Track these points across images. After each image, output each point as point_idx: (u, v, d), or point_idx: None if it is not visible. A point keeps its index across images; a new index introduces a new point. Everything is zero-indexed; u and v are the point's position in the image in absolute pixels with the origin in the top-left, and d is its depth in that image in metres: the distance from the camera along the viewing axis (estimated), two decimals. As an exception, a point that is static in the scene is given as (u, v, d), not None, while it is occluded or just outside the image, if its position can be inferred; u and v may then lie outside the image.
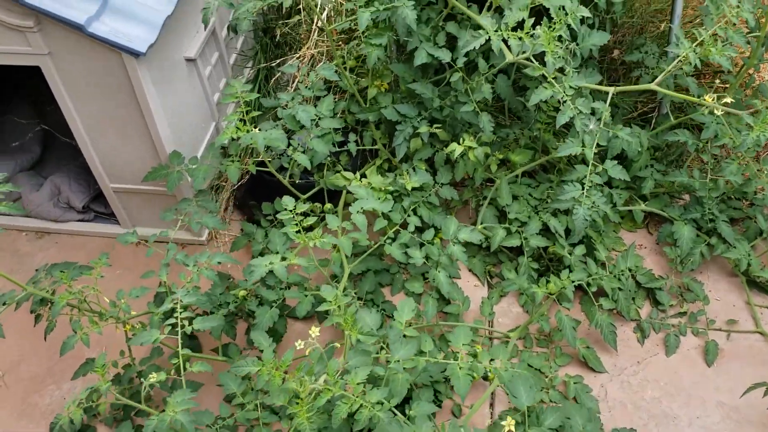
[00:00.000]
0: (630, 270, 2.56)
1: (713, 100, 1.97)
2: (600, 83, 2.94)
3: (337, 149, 2.77)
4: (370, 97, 2.77)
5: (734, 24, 2.17)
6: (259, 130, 2.36)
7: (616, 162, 2.34)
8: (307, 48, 3.09)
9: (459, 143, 2.54)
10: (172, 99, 2.57)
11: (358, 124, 2.91)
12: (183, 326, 1.93)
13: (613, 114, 3.05)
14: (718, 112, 1.97)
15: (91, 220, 3.04)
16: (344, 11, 3.00)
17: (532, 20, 2.04)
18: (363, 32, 2.49)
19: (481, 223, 2.72)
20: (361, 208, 2.17)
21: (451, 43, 2.53)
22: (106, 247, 2.99)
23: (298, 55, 3.01)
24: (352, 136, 2.81)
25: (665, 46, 2.93)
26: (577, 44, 2.25)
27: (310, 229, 2.16)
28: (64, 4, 2.17)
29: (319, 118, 2.57)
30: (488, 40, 2.08)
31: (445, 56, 2.44)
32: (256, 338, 2.00)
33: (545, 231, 2.66)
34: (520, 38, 1.99)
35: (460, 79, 2.46)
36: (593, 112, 2.21)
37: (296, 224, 2.11)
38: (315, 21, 3.00)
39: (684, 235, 2.62)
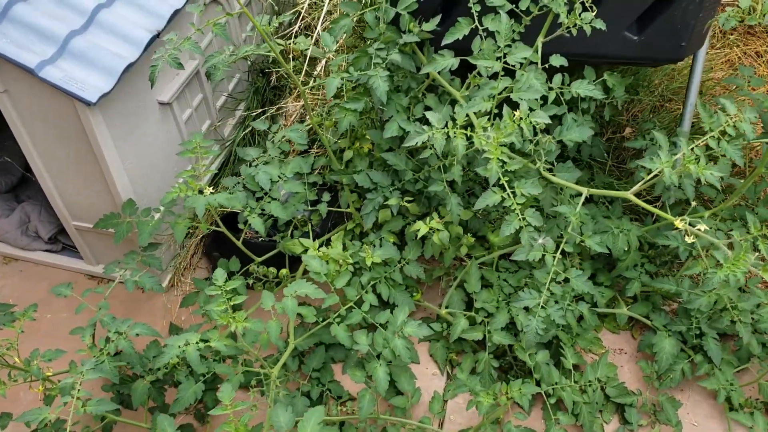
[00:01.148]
0: (599, 381, 2.33)
1: (685, 223, 1.74)
2: (592, 178, 2.73)
3: (309, 208, 2.64)
4: (346, 159, 2.62)
5: (730, 136, 1.94)
6: (213, 191, 2.24)
7: (583, 272, 2.11)
8: (294, 99, 2.97)
9: (426, 222, 2.36)
10: (137, 144, 2.48)
11: (337, 182, 2.77)
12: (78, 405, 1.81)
13: (612, 200, 2.83)
14: (689, 240, 1.75)
15: (58, 251, 2.98)
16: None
17: (486, 119, 1.85)
18: (334, 97, 2.35)
19: (446, 307, 2.53)
20: (295, 291, 2.02)
21: (430, 115, 2.37)
22: (69, 279, 2.91)
23: (282, 104, 2.90)
24: (325, 196, 2.66)
25: (675, 135, 2.70)
26: (553, 137, 2.05)
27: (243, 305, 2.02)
28: (20, 45, 2.11)
29: (284, 180, 2.43)
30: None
31: (417, 131, 2.27)
32: (161, 423, 1.86)
33: (514, 325, 2.45)
34: (469, 138, 1.81)
35: (432, 156, 2.29)
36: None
37: (223, 302, 1.97)
38: (302, 72, 2.88)
39: (665, 349, 2.37)
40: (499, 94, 1.88)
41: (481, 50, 1.89)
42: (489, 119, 1.88)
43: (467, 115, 1.89)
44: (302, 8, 3.00)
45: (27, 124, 2.34)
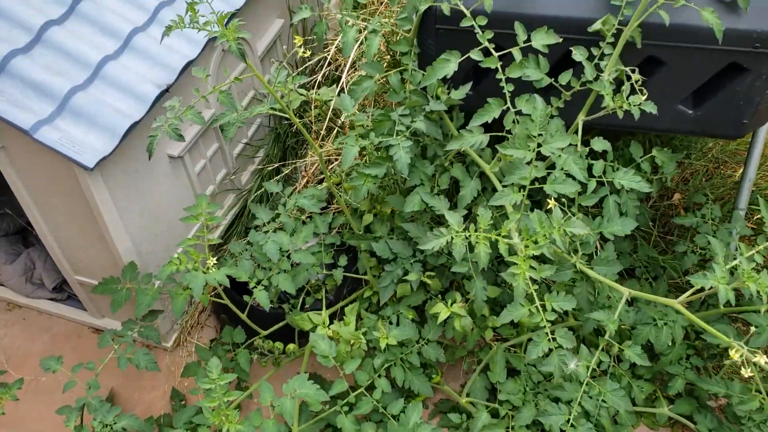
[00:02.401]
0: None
1: (741, 355, 1.49)
2: (635, 249, 2.49)
3: (325, 272, 2.45)
4: (365, 224, 2.42)
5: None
6: (216, 261, 2.06)
7: (619, 385, 1.87)
8: (313, 153, 2.79)
9: (447, 304, 2.15)
10: (143, 202, 2.32)
11: (356, 245, 2.58)
12: None
13: (657, 275, 2.57)
14: (746, 373, 1.50)
15: (63, 299, 2.84)
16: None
17: (515, 221, 1.63)
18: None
19: (467, 395, 2.31)
20: (295, 391, 1.82)
21: (457, 187, 2.17)
22: (72, 332, 2.78)
23: (299, 161, 2.72)
24: (342, 259, 2.47)
25: (731, 209, 2.44)
26: (591, 229, 1.81)
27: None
28: (17, 102, 1.96)
29: (293, 251, 2.25)
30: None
31: (440, 207, 2.07)
32: None
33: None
34: (494, 241, 1.58)
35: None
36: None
37: (217, 397, 1.80)
38: (324, 123, 2.69)
39: (710, 460, 2.11)
40: (531, 184, 1.66)
41: (512, 135, 1.68)
42: (520, 212, 1.66)
43: (493, 213, 1.68)
44: (329, 54, 2.82)
45: (25, 181, 2.20)
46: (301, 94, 2.65)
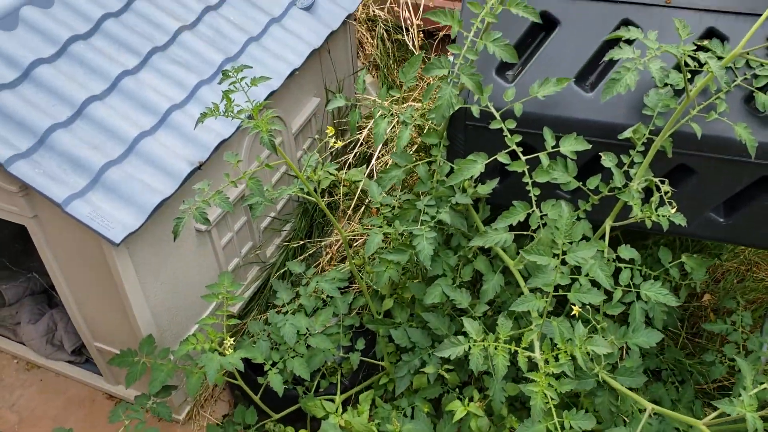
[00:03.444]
0: None
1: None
2: (662, 351, 2.42)
3: (341, 355, 2.42)
4: (385, 309, 2.40)
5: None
6: (233, 342, 2.05)
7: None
8: (337, 233, 2.79)
9: (464, 401, 2.09)
10: (166, 275, 2.34)
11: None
12: None
13: (684, 379, 2.48)
14: None
15: (82, 362, 2.85)
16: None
17: (535, 333, 1.60)
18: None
19: (481, 497, 2.23)
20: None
21: (480, 279, 2.14)
22: (86, 397, 2.77)
23: (326, 239, 2.72)
24: (360, 343, 2.44)
25: (763, 314, 2.36)
26: (615, 339, 1.77)
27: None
28: (53, 175, 2.01)
29: (310, 334, 2.23)
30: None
31: (462, 301, 2.04)
32: None
33: None
34: (514, 354, 1.55)
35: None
36: None
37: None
38: (352, 202, 2.71)
39: None
40: (555, 291, 1.63)
41: (537, 239, 1.66)
42: (542, 320, 1.62)
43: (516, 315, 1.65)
44: (361, 136, 2.86)
45: (53, 248, 2.24)
46: (331, 174, 2.67)
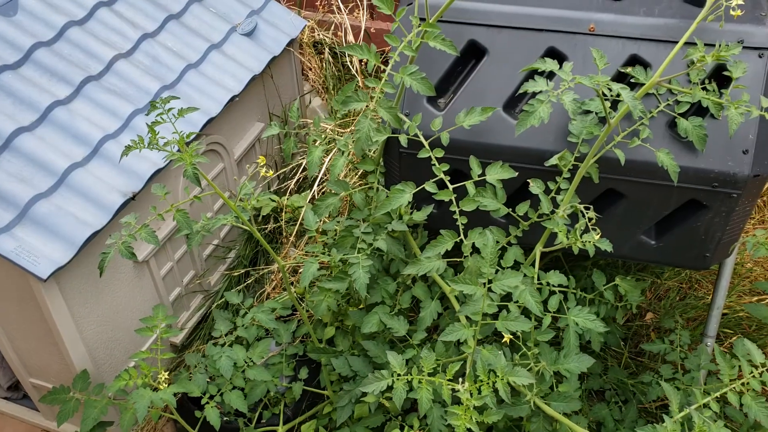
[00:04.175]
0: None
1: None
2: (605, 371, 2.43)
3: (285, 384, 2.39)
4: (327, 337, 2.38)
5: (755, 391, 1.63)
6: (176, 369, 2.01)
7: None
8: (286, 254, 2.77)
9: (404, 430, 2.07)
10: (102, 308, 2.29)
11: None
12: None
13: (627, 399, 2.50)
14: None
15: (19, 398, 2.77)
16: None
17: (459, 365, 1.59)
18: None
19: None
20: None
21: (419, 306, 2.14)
22: (24, 434, 2.69)
23: (269, 267, 2.69)
24: (303, 371, 2.41)
25: (701, 337, 2.39)
26: (546, 365, 1.77)
27: None
28: (-24, 210, 1.96)
29: (248, 366, 2.20)
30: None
31: (399, 329, 2.03)
32: None
33: None
34: (437, 385, 1.54)
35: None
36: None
37: None
38: (293, 231, 2.69)
39: None
40: (483, 321, 1.62)
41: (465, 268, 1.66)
42: (472, 349, 1.62)
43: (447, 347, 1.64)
44: (304, 161, 2.84)
45: (-18, 284, 2.18)
46: (273, 200, 2.66)
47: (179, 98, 1.88)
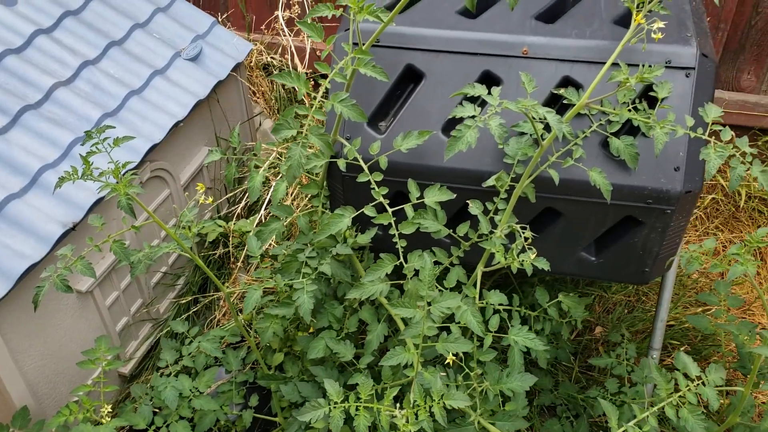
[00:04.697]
0: None
1: None
2: (556, 386, 2.45)
3: (235, 413, 2.36)
4: (276, 363, 2.36)
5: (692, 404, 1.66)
6: (112, 411, 1.97)
7: None
8: (234, 279, 2.75)
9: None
10: (42, 341, 2.23)
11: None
12: None
13: (578, 413, 2.52)
14: None
15: (-39, 437, 2.68)
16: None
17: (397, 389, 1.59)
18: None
19: None
20: None
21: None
22: (-34, 474, 2.60)
23: (220, 295, 2.67)
24: (253, 399, 2.39)
25: (648, 349, 2.43)
26: (490, 385, 1.78)
27: None
28: None
29: (194, 395, 2.16)
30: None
31: (346, 353, 2.02)
32: None
33: None
34: (375, 412, 1.54)
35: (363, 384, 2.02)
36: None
37: None
38: (242, 256, 2.67)
39: None
40: (425, 344, 1.63)
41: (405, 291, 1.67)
42: (415, 373, 1.62)
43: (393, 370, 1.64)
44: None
45: None
46: (219, 226, 2.64)
47: (114, 127, 1.86)
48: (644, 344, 2.64)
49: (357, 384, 1.87)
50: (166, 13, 2.92)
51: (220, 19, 3.72)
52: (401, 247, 1.77)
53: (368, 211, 1.79)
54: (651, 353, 2.38)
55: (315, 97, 1.57)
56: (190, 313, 2.79)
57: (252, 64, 3.42)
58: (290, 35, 3.06)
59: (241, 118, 3.20)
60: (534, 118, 1.58)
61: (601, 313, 2.87)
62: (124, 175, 1.70)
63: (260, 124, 3.40)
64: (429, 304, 1.61)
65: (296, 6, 3.02)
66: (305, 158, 1.60)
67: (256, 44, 3.45)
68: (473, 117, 1.63)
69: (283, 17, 2.92)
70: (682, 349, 2.66)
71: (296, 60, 2.88)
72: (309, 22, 1.59)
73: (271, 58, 3.34)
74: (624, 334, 2.48)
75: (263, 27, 3.46)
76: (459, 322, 1.75)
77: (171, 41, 2.84)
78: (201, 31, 2.95)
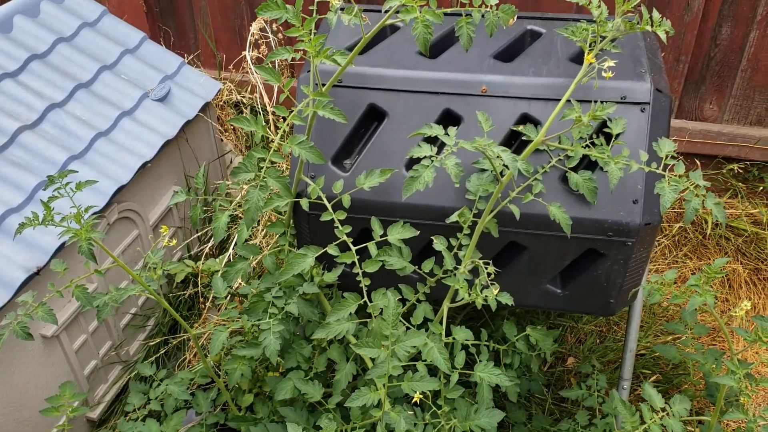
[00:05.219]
0: None
1: None
2: (530, 419, 2.44)
3: (206, 456, 2.32)
4: (245, 405, 2.33)
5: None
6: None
7: None
8: (204, 320, 2.73)
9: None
10: (6, 389, 2.19)
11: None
12: None
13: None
14: None
15: (-77, 489, 2.60)
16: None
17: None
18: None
19: None
20: None
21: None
22: None
23: (188, 336, 2.64)
24: (224, 442, 2.36)
25: (618, 380, 2.44)
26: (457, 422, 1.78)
27: None
28: None
29: (163, 440, 2.13)
30: None
31: (314, 394, 2.01)
32: None
33: None
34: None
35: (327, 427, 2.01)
36: None
37: None
38: (210, 298, 2.65)
39: None
40: (391, 383, 1.62)
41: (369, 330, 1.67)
42: (383, 410, 1.61)
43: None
44: (220, 223, 2.82)
45: None
46: (188, 265, 2.62)
47: (77, 171, 1.86)
48: (616, 374, 2.65)
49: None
50: (134, 55, 2.94)
51: (190, 59, 3.75)
52: (365, 285, 1.77)
53: (331, 250, 1.80)
54: (621, 384, 2.39)
55: (273, 141, 1.58)
56: (161, 354, 2.75)
57: (222, 102, 3.44)
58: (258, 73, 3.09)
59: (211, 157, 3.21)
60: (490, 157, 1.61)
61: (573, 344, 2.88)
62: (88, 218, 1.69)
63: (231, 162, 3.41)
64: (394, 342, 1.61)
65: (264, 46, 3.06)
66: (263, 201, 1.60)
67: (226, 83, 3.47)
68: (430, 157, 1.65)
69: (251, 57, 2.95)
70: (653, 378, 2.67)
71: (265, 98, 2.91)
72: (267, 66, 1.61)
73: (242, 96, 3.37)
74: (594, 365, 2.49)
75: (231, 67, 3.49)
76: (426, 360, 1.74)
77: (139, 82, 2.86)
78: (169, 72, 2.97)
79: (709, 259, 3.32)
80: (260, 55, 2.99)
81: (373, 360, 1.93)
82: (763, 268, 3.19)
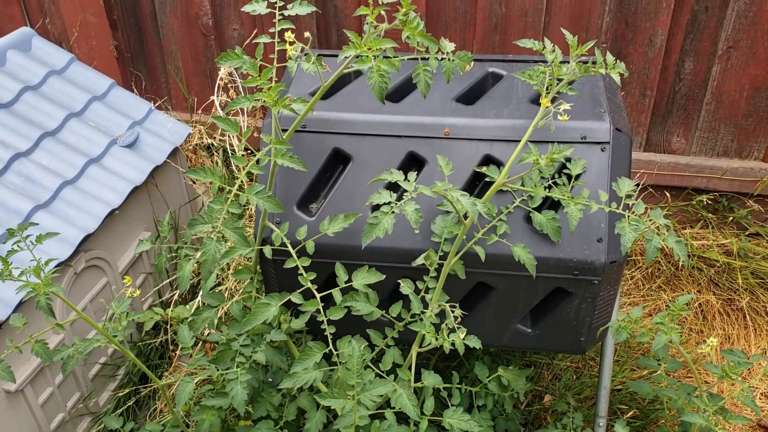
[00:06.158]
0: None
1: None
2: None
3: None
4: (218, 454, 2.28)
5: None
6: None
7: None
8: (174, 368, 2.68)
9: None
10: (-33, 446, 2.13)
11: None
12: None
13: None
14: None
15: None
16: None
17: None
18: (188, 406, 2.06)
19: None
20: None
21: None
22: None
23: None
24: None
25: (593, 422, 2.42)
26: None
27: None
28: None
29: (130, 496, 2.08)
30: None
31: (284, 443, 1.97)
32: None
33: None
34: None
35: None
36: None
37: None
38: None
39: None
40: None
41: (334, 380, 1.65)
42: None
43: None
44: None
45: None
46: (156, 313, 2.58)
47: (38, 224, 1.83)
48: (592, 411, 2.63)
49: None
50: (102, 101, 2.94)
51: (161, 102, 3.76)
52: (329, 333, 1.75)
53: (295, 298, 1.78)
54: (597, 421, 2.37)
55: (230, 191, 1.58)
56: (131, 404, 2.70)
57: (194, 145, 3.44)
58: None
59: (182, 201, 3.19)
60: (451, 201, 1.61)
61: (549, 381, 2.86)
62: (48, 271, 1.66)
63: (203, 205, 3.40)
64: (359, 392, 1.58)
65: (232, 90, 3.07)
66: (220, 253, 1.59)
67: (197, 126, 3.47)
68: (390, 203, 1.65)
69: (220, 102, 2.96)
70: (629, 414, 2.65)
71: (235, 142, 2.91)
72: (224, 117, 1.61)
73: (213, 139, 3.37)
74: (570, 402, 2.47)
75: (201, 110, 3.49)
76: (395, 407, 1.72)
77: (107, 129, 2.85)
78: (138, 117, 2.96)
79: (683, 291, 3.33)
80: (228, 99, 3.01)
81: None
82: (736, 299, 3.21)
